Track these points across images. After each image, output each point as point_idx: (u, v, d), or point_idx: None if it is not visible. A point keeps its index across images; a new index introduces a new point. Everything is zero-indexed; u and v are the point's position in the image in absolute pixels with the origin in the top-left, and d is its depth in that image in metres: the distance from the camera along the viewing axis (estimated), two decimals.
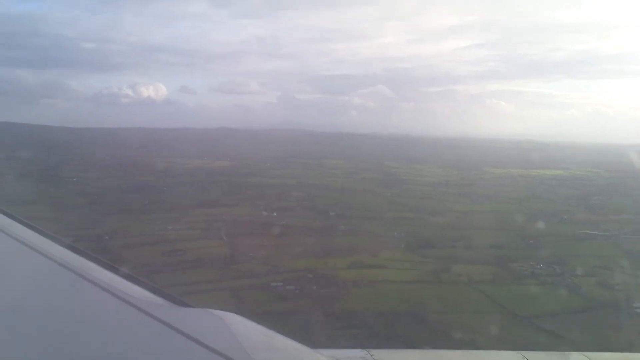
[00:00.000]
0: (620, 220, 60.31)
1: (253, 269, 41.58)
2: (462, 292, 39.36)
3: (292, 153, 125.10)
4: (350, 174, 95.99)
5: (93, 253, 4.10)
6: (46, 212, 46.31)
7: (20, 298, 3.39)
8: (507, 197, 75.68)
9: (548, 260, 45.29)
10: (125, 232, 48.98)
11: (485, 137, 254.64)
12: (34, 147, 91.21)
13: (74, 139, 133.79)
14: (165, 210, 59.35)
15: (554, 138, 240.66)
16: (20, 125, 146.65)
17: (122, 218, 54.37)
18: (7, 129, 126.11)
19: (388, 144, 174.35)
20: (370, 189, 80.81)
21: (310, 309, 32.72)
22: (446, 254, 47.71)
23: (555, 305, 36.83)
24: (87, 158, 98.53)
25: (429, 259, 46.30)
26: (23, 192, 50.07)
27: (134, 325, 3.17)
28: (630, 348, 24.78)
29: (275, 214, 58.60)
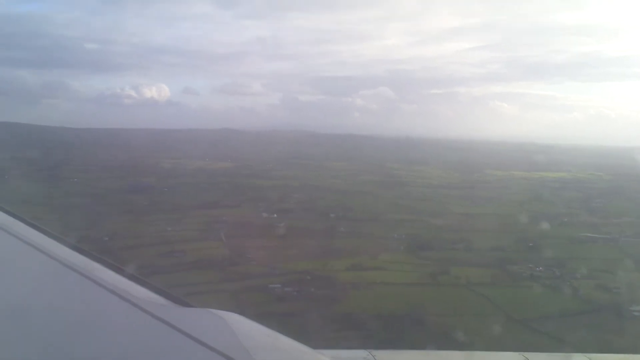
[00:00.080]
0: (621, 223, 60.16)
1: (252, 270, 41.63)
2: (461, 294, 39.35)
3: (294, 154, 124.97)
4: (351, 176, 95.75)
5: (96, 253, 4.12)
6: (45, 212, 46.38)
7: (23, 297, 3.40)
8: (508, 199, 75.48)
9: (548, 262, 45.20)
10: (124, 233, 49.03)
11: (487, 139, 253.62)
12: (36, 147, 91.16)
13: (75, 140, 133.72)
14: (165, 211, 59.42)
15: (557, 140, 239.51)
16: (22, 126, 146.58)
17: (122, 219, 54.45)
18: (9, 129, 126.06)
19: (390, 145, 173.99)
20: (372, 190, 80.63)
21: (308, 311, 32.72)
22: (446, 256, 47.73)
23: (553, 308, 36.78)
24: (88, 158, 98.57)
25: (428, 261, 46.31)
26: (22, 192, 50.14)
27: (136, 325, 3.19)
28: (627, 351, 24.66)
29: (275, 215, 58.60)
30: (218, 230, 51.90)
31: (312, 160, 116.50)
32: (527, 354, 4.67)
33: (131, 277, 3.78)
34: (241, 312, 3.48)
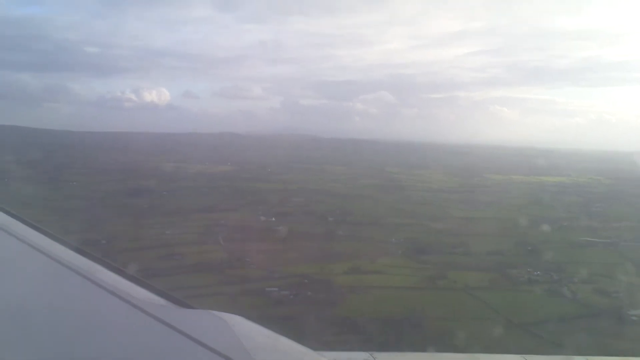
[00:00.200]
0: (620, 228, 60.12)
1: (248, 273, 41.57)
2: (458, 298, 39.28)
3: (295, 158, 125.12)
4: (351, 180, 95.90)
5: (97, 254, 4.11)
6: (44, 215, 46.39)
7: (24, 298, 3.38)
8: (508, 203, 75.42)
9: (546, 267, 45.15)
10: (122, 236, 48.99)
11: (488, 143, 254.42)
12: (37, 150, 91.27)
13: (76, 143, 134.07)
14: (164, 214, 59.40)
15: (557, 145, 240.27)
16: (22, 129, 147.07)
17: (121, 222, 54.44)
18: (10, 133, 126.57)
19: (390, 149, 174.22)
20: (371, 194, 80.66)
21: (303, 314, 32.68)
22: (444, 260, 47.67)
23: (551, 312, 36.68)
24: (89, 162, 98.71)
25: (427, 265, 46.27)
26: (22, 195, 50.14)
27: (137, 326, 3.18)
28: (624, 356, 24.57)
29: (274, 219, 58.57)
30: (216, 233, 51.83)
31: (313, 164, 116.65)
32: (528, 357, 4.67)
33: (131, 279, 3.77)
34: (238, 315, 3.48)
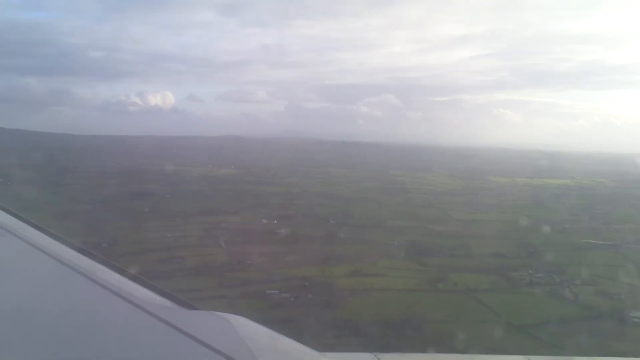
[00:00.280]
0: (623, 230, 59.78)
1: (250, 276, 41.52)
2: (459, 300, 39.14)
3: (298, 161, 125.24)
4: (355, 183, 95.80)
5: (101, 256, 4.15)
6: (47, 218, 46.51)
7: (29, 299, 3.44)
8: (511, 206, 75.34)
9: (548, 269, 44.98)
10: (124, 239, 49.04)
11: (492, 146, 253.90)
12: (41, 154, 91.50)
13: (80, 146, 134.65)
14: (166, 217, 59.41)
15: (561, 148, 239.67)
16: (27, 133, 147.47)
17: (123, 225, 54.44)
18: (15, 136, 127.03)
19: (394, 152, 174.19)
20: (374, 197, 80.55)
21: (303, 317, 32.63)
22: (446, 262, 47.56)
23: (552, 314, 36.51)
24: (93, 165, 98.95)
25: (428, 267, 46.18)
26: (26, 198, 50.31)
27: (141, 327, 3.22)
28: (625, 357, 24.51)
29: (275, 221, 58.56)
30: (218, 236, 51.82)
31: (316, 167, 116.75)
32: (531, 357, 4.68)
33: (135, 280, 3.82)
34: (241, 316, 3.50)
